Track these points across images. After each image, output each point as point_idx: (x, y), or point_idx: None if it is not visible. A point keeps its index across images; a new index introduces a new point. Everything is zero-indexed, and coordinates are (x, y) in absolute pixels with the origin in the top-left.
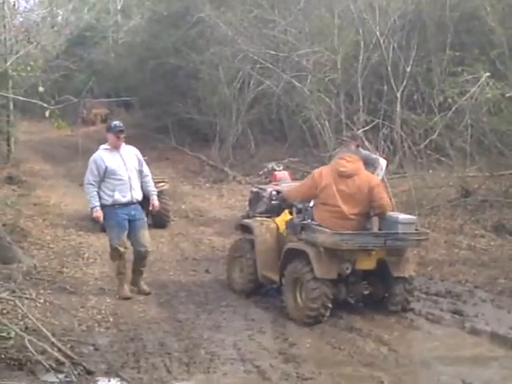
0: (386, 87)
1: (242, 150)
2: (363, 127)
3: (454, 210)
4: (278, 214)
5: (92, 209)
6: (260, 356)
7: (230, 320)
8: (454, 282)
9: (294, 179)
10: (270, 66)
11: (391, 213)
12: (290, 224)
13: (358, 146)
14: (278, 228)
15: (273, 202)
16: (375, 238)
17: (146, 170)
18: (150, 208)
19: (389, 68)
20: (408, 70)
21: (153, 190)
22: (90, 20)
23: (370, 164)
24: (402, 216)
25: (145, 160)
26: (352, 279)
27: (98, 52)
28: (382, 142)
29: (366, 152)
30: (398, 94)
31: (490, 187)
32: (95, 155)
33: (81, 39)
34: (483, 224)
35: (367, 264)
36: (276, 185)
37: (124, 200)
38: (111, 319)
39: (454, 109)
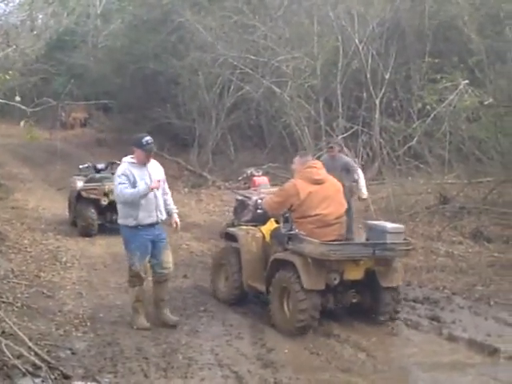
0: (365, 94)
1: (222, 155)
2: (342, 134)
3: (432, 217)
4: (264, 223)
5: (143, 192)
6: (238, 361)
7: (208, 325)
8: (431, 289)
9: (273, 185)
10: (250, 71)
11: (379, 222)
12: (275, 234)
13: (339, 152)
14: (263, 237)
15: (258, 211)
16: (364, 248)
17: (166, 186)
18: (174, 226)
19: (368, 75)
20: (387, 77)
21: (174, 207)
22: (69, 24)
23: (351, 171)
24: (390, 225)
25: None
26: (340, 289)
27: (77, 56)
28: (361, 149)
29: (348, 159)
30: (377, 101)
31: (468, 194)
32: (121, 168)
33: (60, 43)
34: (461, 231)
35: (355, 274)
36: (255, 190)
37: (149, 221)
38: (89, 324)
39: (432, 116)
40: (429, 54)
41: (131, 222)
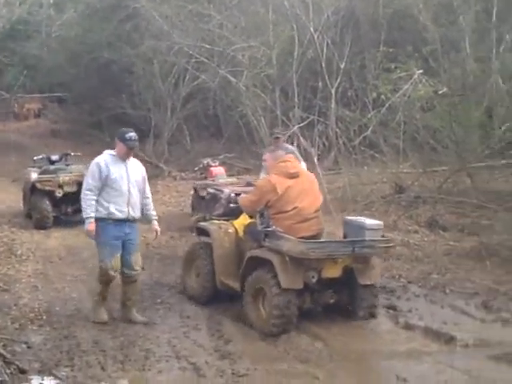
0: (320, 84)
1: (178, 145)
2: (299, 123)
3: (387, 206)
4: (237, 217)
5: (86, 219)
6: (195, 353)
7: (165, 317)
8: (387, 278)
9: (230, 175)
10: (206, 60)
11: (357, 217)
12: (250, 230)
13: (284, 142)
14: (236, 232)
15: (231, 205)
16: (343, 246)
17: (148, 190)
18: (153, 235)
19: (323, 64)
20: (342, 66)
21: (154, 213)
22: (22, 13)
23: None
24: (369, 222)
25: (77, 156)
26: (317, 288)
27: (30, 46)
28: (317, 139)
29: (293, 148)
30: (333, 91)
31: (423, 183)
32: (99, 158)
33: (13, 33)
34: (417, 220)
35: (333, 272)
36: (212, 180)
37: (119, 215)
38: (45, 317)
39: (387, 105)
40: (383, 43)
41: (102, 213)
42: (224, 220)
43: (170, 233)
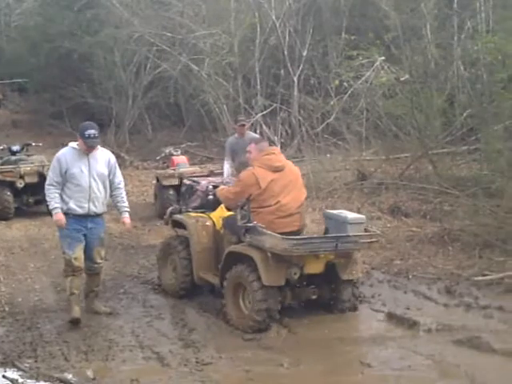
0: (282, 71)
1: (139, 134)
2: (261, 111)
3: (351, 193)
4: (214, 209)
5: (52, 211)
6: (159, 342)
7: (128, 307)
8: None
9: (192, 164)
10: (167, 48)
11: (338, 211)
12: (229, 223)
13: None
14: (214, 224)
15: (209, 197)
16: (326, 242)
17: (118, 179)
18: (125, 228)
19: (285, 52)
20: (304, 54)
21: (124, 205)
22: None
23: None
24: (351, 216)
25: (38, 146)
26: (298, 284)
27: None
28: (280, 126)
29: (257, 136)
30: (295, 78)
31: (385, 170)
32: (60, 153)
33: None
34: (379, 206)
35: (315, 268)
36: (174, 170)
37: (79, 211)
38: (7, 308)
39: (349, 93)
40: (345, 31)
41: (62, 208)
42: (200, 212)
43: (132, 222)
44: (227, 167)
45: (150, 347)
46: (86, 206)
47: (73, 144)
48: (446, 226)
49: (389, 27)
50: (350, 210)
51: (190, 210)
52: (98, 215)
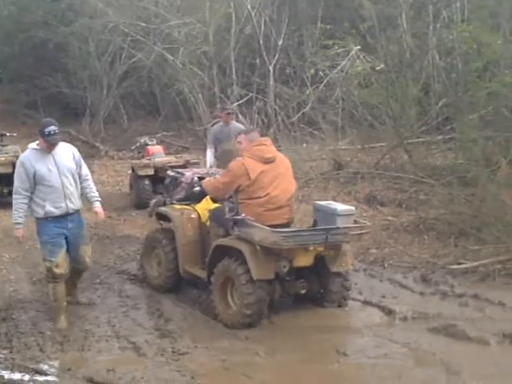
0: (258, 60)
1: (114, 124)
2: (237, 101)
3: (327, 183)
4: (199, 201)
5: (14, 225)
6: (135, 332)
7: (104, 297)
8: None
9: (168, 154)
10: (142, 38)
11: (327, 203)
12: (216, 216)
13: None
14: (199, 217)
15: (195, 189)
16: (316, 235)
17: (85, 170)
18: (100, 218)
19: (261, 41)
20: (280, 43)
21: (95, 195)
22: None
23: None
24: (341, 207)
25: (13, 136)
26: (287, 277)
27: None
28: (256, 116)
29: (242, 126)
30: (271, 68)
31: (361, 160)
32: (22, 157)
33: None
34: (355, 196)
35: (305, 260)
36: (149, 159)
37: (57, 212)
38: None
39: (325, 82)
40: (321, 20)
41: (39, 213)
42: (185, 205)
43: (107, 212)
44: (210, 155)
45: (126, 337)
46: (64, 204)
47: (32, 145)
48: (421, 215)
49: (364, 17)
50: (326, 199)
51: (175, 202)
52: (76, 212)
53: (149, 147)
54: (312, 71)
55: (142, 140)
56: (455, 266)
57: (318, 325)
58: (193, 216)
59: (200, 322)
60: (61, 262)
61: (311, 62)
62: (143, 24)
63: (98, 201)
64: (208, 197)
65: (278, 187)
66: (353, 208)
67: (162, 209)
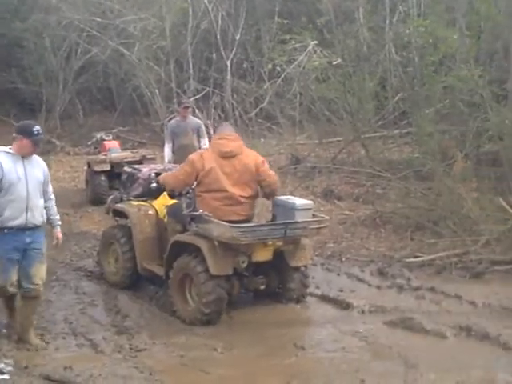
0: (215, 55)
1: (70, 120)
2: (194, 95)
3: (284, 177)
4: (156, 198)
5: None
6: (92, 329)
7: (60, 294)
8: None
9: (124, 149)
10: (97, 33)
11: (286, 197)
12: (173, 212)
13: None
14: (157, 213)
15: (152, 185)
16: (275, 229)
17: (50, 189)
18: (54, 243)
19: (218, 36)
20: (237, 38)
21: (57, 218)
22: None
23: (200, 135)
24: (299, 202)
25: None
26: (247, 273)
27: None
28: (213, 111)
29: (201, 122)
30: (228, 62)
31: (319, 154)
32: None
33: None
34: (313, 190)
35: (264, 256)
36: (106, 155)
37: (15, 223)
38: None
39: (282, 77)
40: (278, 15)
41: None
42: (142, 201)
43: (63, 209)
44: (167, 151)
45: (83, 334)
46: (24, 216)
47: (4, 148)
48: (378, 209)
49: (321, 11)
50: (283, 193)
51: (132, 198)
52: (37, 227)
53: (105, 142)
54: (269, 66)
55: (98, 135)
56: (412, 260)
57: (277, 319)
58: (150, 212)
59: (157, 318)
60: (14, 280)
61: (269, 56)
62: (98, 19)
63: (59, 225)
64: (165, 193)
65: (234, 184)
66: (311, 202)
67: (119, 205)
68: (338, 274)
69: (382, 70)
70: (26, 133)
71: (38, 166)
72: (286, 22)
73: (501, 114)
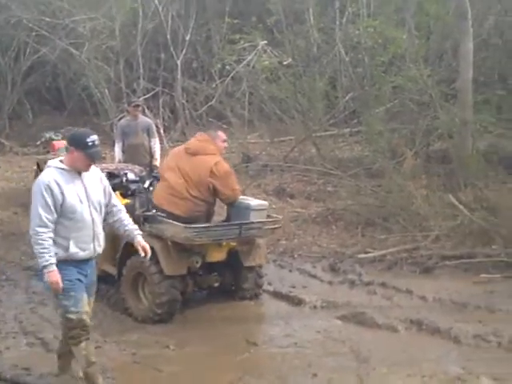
0: (164, 55)
1: (19, 120)
2: (144, 95)
3: (236, 176)
4: None
5: (43, 268)
6: (43, 328)
7: (10, 294)
8: None
9: None
10: (46, 33)
11: (241, 198)
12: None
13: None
14: None
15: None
16: (229, 230)
17: (116, 200)
18: (142, 254)
19: (168, 36)
20: (187, 38)
21: (135, 227)
22: None
23: (150, 135)
24: (254, 202)
25: None
26: (200, 272)
27: None
28: (163, 110)
29: (151, 122)
30: (178, 62)
31: (270, 153)
32: (47, 178)
33: None
34: (265, 188)
35: (218, 256)
36: (55, 155)
37: (82, 255)
38: None
39: (231, 76)
40: (228, 15)
41: (58, 255)
42: None
43: (12, 209)
44: (118, 150)
45: (33, 333)
46: (91, 246)
47: (55, 162)
48: (329, 206)
49: (271, 11)
50: None
51: None
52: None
53: (54, 142)
54: (219, 65)
55: (48, 135)
56: (363, 255)
57: (229, 316)
58: None
59: (109, 316)
60: (88, 309)
61: (219, 56)
62: (47, 19)
63: (139, 234)
64: (118, 192)
65: (186, 182)
66: (266, 203)
67: None
68: (290, 271)
69: (333, 70)
70: (78, 144)
71: (95, 182)
72: (236, 21)
73: (450, 112)
